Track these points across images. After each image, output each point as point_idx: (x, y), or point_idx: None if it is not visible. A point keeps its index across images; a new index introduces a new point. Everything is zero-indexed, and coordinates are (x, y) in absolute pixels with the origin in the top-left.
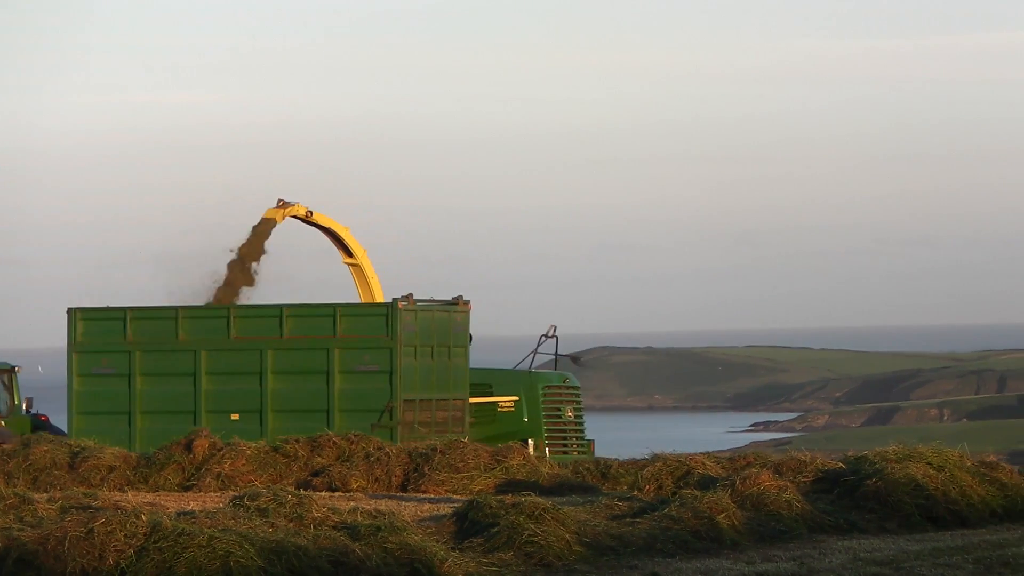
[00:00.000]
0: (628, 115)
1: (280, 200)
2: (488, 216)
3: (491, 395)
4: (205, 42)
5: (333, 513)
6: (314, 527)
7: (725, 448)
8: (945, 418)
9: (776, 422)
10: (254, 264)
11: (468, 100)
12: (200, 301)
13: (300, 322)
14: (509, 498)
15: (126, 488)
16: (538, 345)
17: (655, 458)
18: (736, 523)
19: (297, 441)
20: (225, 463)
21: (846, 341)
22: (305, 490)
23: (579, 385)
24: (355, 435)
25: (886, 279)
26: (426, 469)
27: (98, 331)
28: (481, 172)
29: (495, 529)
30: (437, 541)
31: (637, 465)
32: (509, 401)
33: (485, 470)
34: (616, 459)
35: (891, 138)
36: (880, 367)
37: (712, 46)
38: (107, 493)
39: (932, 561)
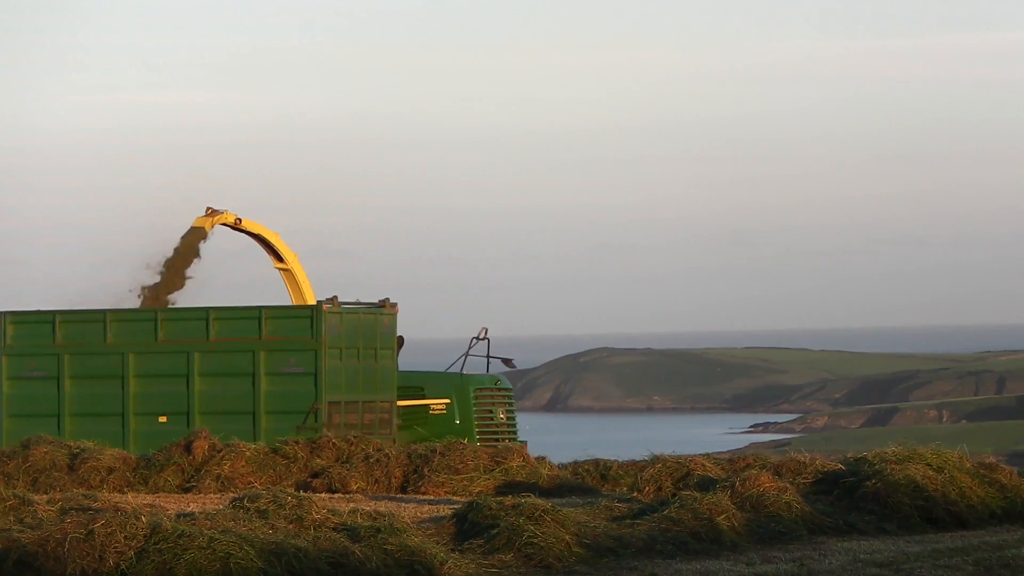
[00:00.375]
0: (625, 115)
1: (209, 208)
2: (485, 216)
3: (423, 398)
4: (203, 42)
5: (333, 515)
6: (314, 529)
7: (724, 449)
8: (944, 419)
9: (775, 423)
10: (185, 271)
11: (465, 100)
12: (132, 306)
13: (226, 325)
14: (509, 500)
15: (126, 490)
16: (469, 348)
17: (654, 459)
18: (736, 524)
19: (296, 443)
20: (225, 465)
21: (845, 342)
22: (305, 492)
23: (511, 387)
24: (354, 436)
25: (884, 279)
26: (426, 471)
27: (28, 334)
28: (478, 172)
29: (495, 531)
30: (437, 543)
31: (636, 467)
32: (441, 404)
33: (485, 471)
34: (615, 460)
35: (888, 137)
36: (879, 368)
37: (708, 46)
38: (107, 495)
39: (932, 563)
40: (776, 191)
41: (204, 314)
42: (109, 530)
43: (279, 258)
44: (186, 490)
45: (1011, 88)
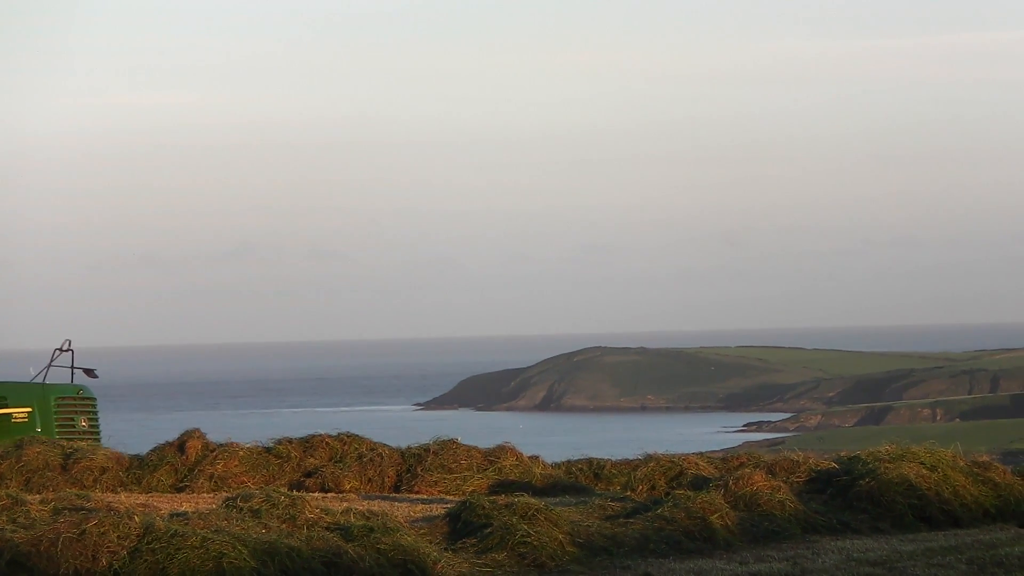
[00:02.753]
0: (617, 116)
1: None
2: (479, 217)
3: (6, 407)
4: (191, 45)
5: (326, 514)
6: (307, 528)
7: (718, 448)
8: (938, 418)
9: (769, 422)
10: None
11: (454, 103)
12: None
13: None
14: (502, 499)
15: (119, 489)
16: (52, 359)
17: (648, 458)
18: (729, 523)
19: (290, 442)
20: (218, 464)
21: (839, 341)
22: (298, 491)
23: (95, 396)
24: (348, 436)
25: (878, 279)
26: (419, 470)
27: None
28: (471, 174)
29: (488, 530)
30: (430, 542)
31: (630, 465)
32: (23, 412)
33: (478, 471)
34: (609, 459)
35: (881, 138)
36: (873, 367)
37: (699, 47)
38: (100, 494)
39: (925, 561)
40: (769, 192)
41: None
42: (102, 530)
43: None
44: (179, 490)
45: (1005, 88)
